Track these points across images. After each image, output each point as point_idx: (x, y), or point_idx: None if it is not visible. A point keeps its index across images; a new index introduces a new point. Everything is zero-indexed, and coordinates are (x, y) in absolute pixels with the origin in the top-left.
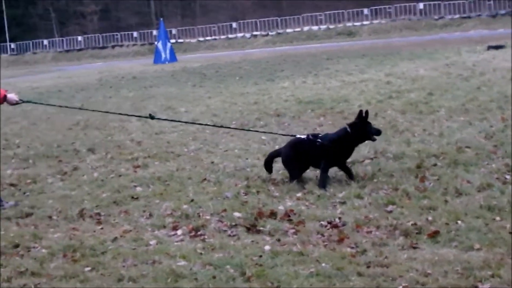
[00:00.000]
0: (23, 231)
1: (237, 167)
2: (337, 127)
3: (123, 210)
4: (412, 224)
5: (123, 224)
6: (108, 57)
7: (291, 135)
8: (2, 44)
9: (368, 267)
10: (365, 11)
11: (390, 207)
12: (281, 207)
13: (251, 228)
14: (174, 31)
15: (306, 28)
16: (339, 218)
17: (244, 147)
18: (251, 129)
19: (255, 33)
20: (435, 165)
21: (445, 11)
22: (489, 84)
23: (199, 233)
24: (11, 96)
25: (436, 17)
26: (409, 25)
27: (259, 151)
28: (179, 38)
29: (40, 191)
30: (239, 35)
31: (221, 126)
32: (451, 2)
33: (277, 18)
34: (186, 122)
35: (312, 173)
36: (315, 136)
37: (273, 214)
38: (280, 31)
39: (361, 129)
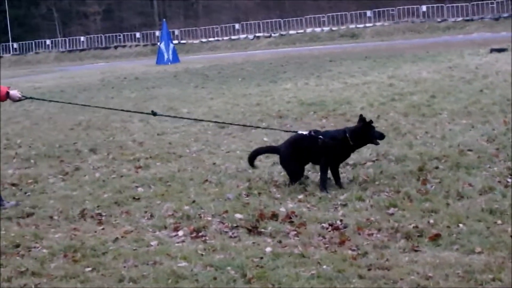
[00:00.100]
0: (24, 231)
1: (239, 168)
2: None
3: (124, 211)
4: (413, 227)
5: (124, 225)
6: (111, 57)
7: (293, 131)
8: (4, 44)
9: (369, 269)
10: (368, 13)
11: (391, 210)
12: (282, 209)
13: (252, 230)
14: (177, 32)
15: (309, 30)
16: (341, 220)
17: (246, 149)
18: (252, 125)
19: (258, 34)
20: (437, 168)
21: (448, 13)
22: (491, 87)
23: (200, 234)
24: (14, 92)
25: (439, 19)
26: (412, 28)
27: None
28: (181, 39)
29: (42, 191)
30: (242, 36)
31: (223, 123)
32: (454, 4)
33: (280, 19)
34: (188, 119)
35: (313, 175)
36: (317, 132)
37: (274, 216)
38: (283, 32)
39: (361, 135)
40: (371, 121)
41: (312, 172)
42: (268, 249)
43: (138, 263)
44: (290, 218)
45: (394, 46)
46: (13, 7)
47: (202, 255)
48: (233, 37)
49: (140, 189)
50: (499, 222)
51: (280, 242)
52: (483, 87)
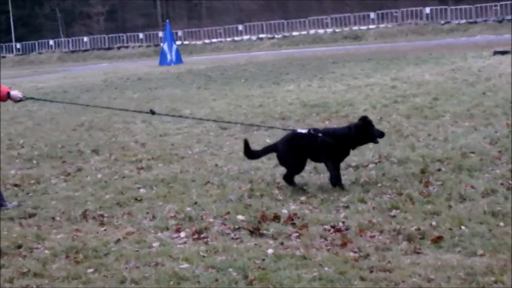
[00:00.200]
0: (26, 231)
1: (241, 170)
2: None
3: (126, 212)
4: (415, 229)
5: (126, 226)
6: (114, 58)
7: (291, 130)
8: (8, 44)
9: (371, 271)
10: (372, 15)
11: (393, 212)
12: (284, 211)
13: (254, 231)
14: (180, 32)
15: (312, 31)
16: (343, 222)
17: None
18: (253, 124)
19: (261, 35)
20: (439, 170)
21: (452, 16)
22: (494, 90)
23: (202, 235)
24: (15, 93)
25: (442, 22)
26: (415, 30)
27: None
28: (185, 40)
29: (44, 192)
30: (245, 37)
31: (222, 121)
32: (458, 7)
33: (283, 21)
34: (186, 118)
35: (315, 176)
36: (316, 130)
37: (276, 218)
38: (286, 34)
39: (363, 132)
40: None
41: (313, 174)
42: (270, 250)
43: (140, 265)
44: (292, 219)
45: (397, 48)
46: (16, 7)
47: (204, 256)
48: (236, 38)
49: (142, 190)
50: (501, 224)
51: (282, 243)
52: (486, 89)
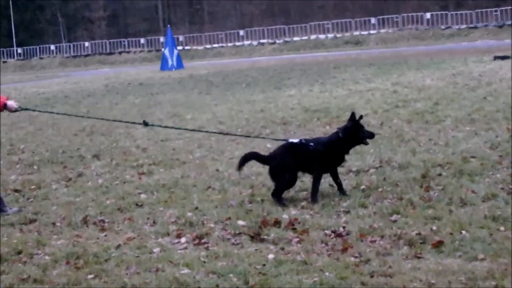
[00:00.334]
0: (27, 237)
1: (242, 175)
2: None
3: (127, 217)
4: (416, 234)
5: (127, 231)
6: (115, 63)
7: (283, 140)
8: (9, 49)
9: (372, 276)
10: (373, 20)
11: (394, 217)
12: (285, 216)
13: (255, 237)
14: (181, 38)
15: (313, 37)
16: (343, 227)
17: None
18: (246, 135)
19: (262, 41)
20: (440, 175)
21: (452, 21)
22: (495, 94)
23: (203, 241)
24: (11, 103)
25: (443, 27)
26: (416, 35)
27: None
28: (186, 45)
29: (44, 197)
30: (247, 42)
31: (211, 132)
32: (459, 12)
33: (284, 26)
34: (179, 129)
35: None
36: (308, 140)
37: (277, 223)
38: (288, 39)
39: (353, 132)
40: (361, 117)
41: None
42: (271, 256)
43: (140, 270)
44: (293, 225)
45: (398, 53)
46: (18, 12)
47: (204, 262)
48: (237, 43)
49: (143, 195)
50: (502, 229)
51: (282, 249)
52: (486, 94)
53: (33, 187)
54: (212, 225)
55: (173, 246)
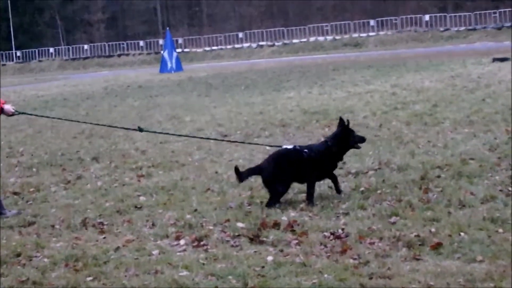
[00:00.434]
0: (26, 240)
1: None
2: None
3: (126, 220)
4: (415, 236)
5: (126, 234)
6: (114, 65)
7: (277, 146)
8: (8, 52)
9: (371, 278)
10: (372, 22)
11: (393, 219)
12: (284, 218)
13: (254, 239)
14: (180, 40)
15: (312, 39)
16: (342, 229)
17: (249, 157)
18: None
19: (261, 43)
20: (439, 176)
21: (451, 23)
22: (494, 96)
23: (202, 243)
24: (8, 107)
25: (442, 29)
26: (415, 37)
27: None
28: (185, 47)
29: (43, 200)
30: (246, 45)
31: (202, 138)
32: (457, 14)
33: (283, 28)
34: (173, 135)
35: (316, 183)
36: (301, 147)
37: (276, 225)
38: (287, 41)
39: (342, 140)
40: (348, 122)
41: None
42: (270, 258)
43: (139, 272)
44: (292, 227)
45: (397, 55)
46: (17, 15)
47: (203, 264)
48: (236, 45)
49: (142, 197)
50: (501, 230)
51: (281, 251)
52: (485, 96)
53: (32, 189)
54: (211, 227)
55: (172, 248)
